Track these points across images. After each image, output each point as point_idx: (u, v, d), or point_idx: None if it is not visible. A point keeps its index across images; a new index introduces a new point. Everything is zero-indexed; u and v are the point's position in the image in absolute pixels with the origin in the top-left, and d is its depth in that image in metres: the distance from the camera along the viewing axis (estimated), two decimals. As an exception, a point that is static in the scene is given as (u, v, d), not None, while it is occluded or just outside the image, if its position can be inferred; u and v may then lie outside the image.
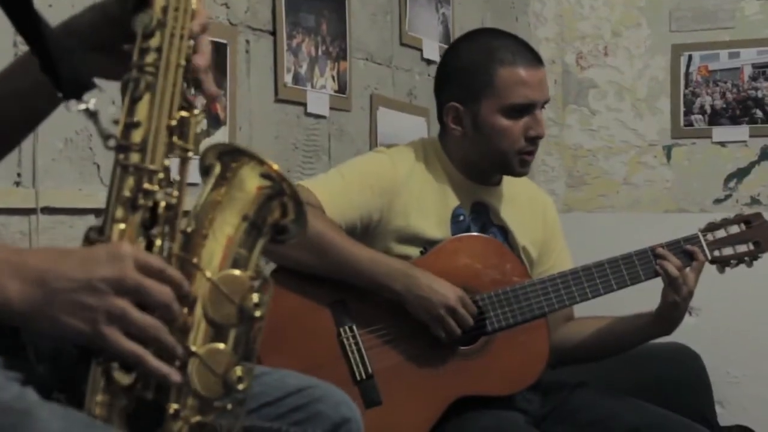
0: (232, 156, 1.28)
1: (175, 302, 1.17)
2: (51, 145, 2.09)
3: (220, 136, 2.49)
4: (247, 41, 2.68)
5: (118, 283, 1.13)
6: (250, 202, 1.26)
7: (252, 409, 1.33)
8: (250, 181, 1.27)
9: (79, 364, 1.17)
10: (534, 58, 2.30)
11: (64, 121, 2.05)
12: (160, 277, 1.16)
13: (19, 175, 2.03)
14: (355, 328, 2.18)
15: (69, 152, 2.14)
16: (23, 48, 2.00)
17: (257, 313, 1.23)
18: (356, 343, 2.18)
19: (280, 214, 1.28)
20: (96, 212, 2.18)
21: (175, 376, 1.17)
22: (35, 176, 2.04)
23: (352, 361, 2.17)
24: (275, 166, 1.26)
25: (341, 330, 2.18)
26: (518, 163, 2.31)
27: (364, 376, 2.17)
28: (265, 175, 1.27)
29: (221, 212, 1.26)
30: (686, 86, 4.04)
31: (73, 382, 1.18)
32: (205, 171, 1.30)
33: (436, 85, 2.41)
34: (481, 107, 2.28)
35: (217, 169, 1.28)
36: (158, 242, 1.22)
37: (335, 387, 1.49)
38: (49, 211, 2.08)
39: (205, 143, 1.30)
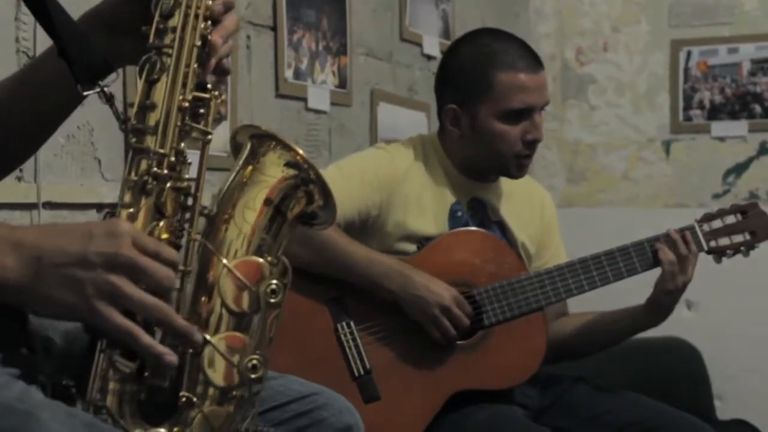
0: (261, 139, 1.27)
1: (173, 284, 1.16)
2: (53, 140, 2.07)
3: (221, 131, 2.49)
4: (248, 36, 2.69)
5: (112, 259, 1.11)
6: (276, 187, 1.25)
7: (258, 412, 1.33)
8: (277, 166, 1.26)
9: (87, 357, 1.17)
10: (534, 62, 2.29)
11: (66, 117, 2.06)
12: (156, 259, 1.14)
13: (20, 170, 2.03)
14: (352, 324, 2.19)
15: (71, 147, 2.14)
16: (24, 43, 2.01)
17: (273, 300, 1.22)
18: (354, 339, 2.18)
19: (307, 201, 1.27)
20: (97, 207, 2.19)
21: (169, 356, 1.15)
22: (37, 171, 2.05)
23: (350, 356, 2.18)
24: (302, 153, 1.25)
25: (339, 326, 2.19)
26: (515, 166, 2.31)
27: (362, 372, 2.18)
28: (292, 162, 1.26)
29: (245, 196, 1.25)
30: (685, 81, 4.04)
31: (83, 375, 1.17)
32: (236, 149, 1.29)
33: (436, 86, 2.41)
34: (479, 111, 2.28)
35: (247, 149, 1.27)
36: (167, 226, 1.20)
37: (338, 395, 1.51)
38: (50, 206, 2.09)
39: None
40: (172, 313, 1.15)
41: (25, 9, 1.98)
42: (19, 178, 2.03)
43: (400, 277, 2.18)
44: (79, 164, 2.17)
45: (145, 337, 1.13)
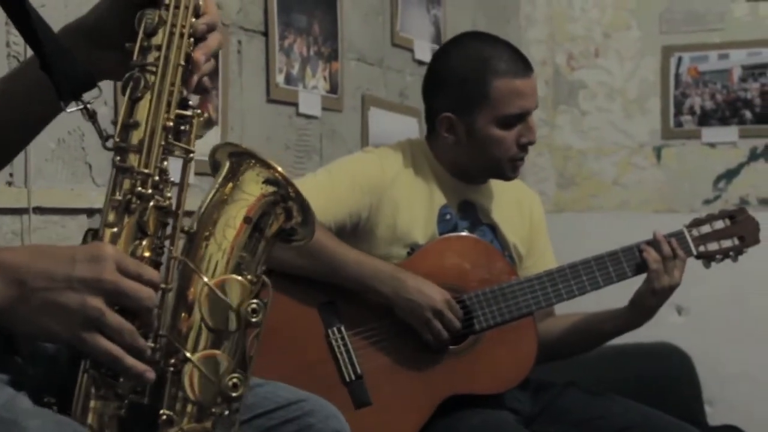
0: (240, 157, 1.28)
1: (155, 304, 1.16)
2: (43, 144, 2.09)
3: (212, 136, 2.49)
4: (239, 42, 2.69)
5: (95, 284, 1.11)
6: (255, 205, 1.26)
7: (244, 420, 1.34)
8: (256, 184, 1.26)
9: (70, 369, 1.17)
10: (526, 66, 2.30)
11: (57, 121, 2.04)
12: (138, 280, 1.15)
13: (11, 174, 2.03)
14: (343, 329, 2.19)
15: (61, 152, 2.14)
16: (15, 48, 2.01)
17: (254, 319, 1.23)
18: (345, 344, 2.18)
19: (285, 218, 1.28)
20: (88, 212, 2.19)
21: (149, 374, 1.16)
22: (27, 176, 2.04)
23: (341, 361, 2.17)
24: (281, 170, 1.26)
25: (330, 331, 2.18)
26: (510, 168, 2.32)
27: (353, 377, 2.18)
28: (270, 179, 1.26)
29: (225, 214, 1.26)
30: (676, 87, 4.05)
31: (66, 387, 1.17)
32: (214, 168, 1.30)
33: (426, 90, 2.40)
34: (476, 118, 2.28)
35: (226, 168, 1.28)
36: (149, 244, 1.21)
37: (326, 401, 1.51)
38: (41, 210, 2.08)
39: (200, 143, 1.30)
40: (138, 337, 1.15)
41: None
42: (10, 183, 2.03)
43: (393, 281, 2.18)
44: (70, 169, 2.17)
45: (129, 359, 1.14)
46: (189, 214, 1.27)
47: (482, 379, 2.25)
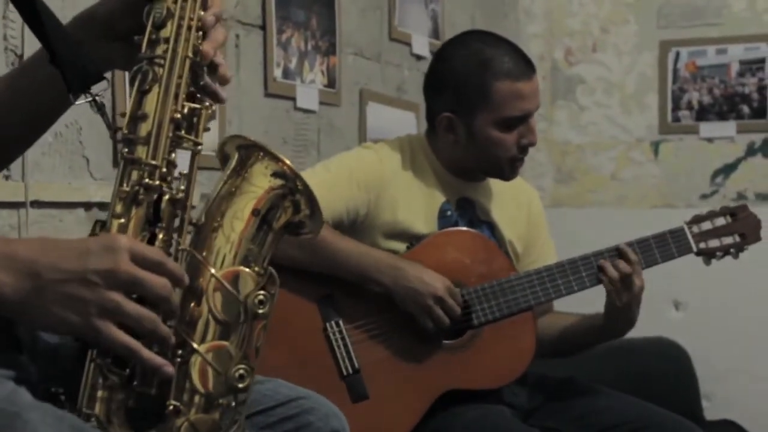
0: (248, 150, 1.28)
1: (173, 294, 1.16)
2: (41, 138, 2.09)
3: (210, 130, 2.49)
4: (237, 36, 2.68)
5: (111, 276, 1.11)
6: (263, 198, 1.26)
7: (244, 420, 1.33)
8: (264, 176, 1.27)
9: (77, 361, 1.17)
10: (528, 67, 2.28)
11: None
12: (158, 269, 1.14)
13: (8, 168, 2.02)
14: (341, 323, 2.19)
15: (59, 146, 2.14)
16: (12, 41, 2.01)
17: (261, 311, 1.23)
18: (343, 338, 2.18)
19: (293, 211, 1.28)
20: (85, 206, 2.18)
21: (167, 368, 1.16)
22: (25, 169, 2.04)
23: (339, 355, 2.17)
24: (289, 163, 1.26)
25: (328, 325, 2.18)
26: (510, 169, 2.32)
27: (350, 371, 2.18)
28: (279, 172, 1.27)
29: (233, 206, 1.26)
30: (674, 82, 4.05)
31: (72, 378, 1.17)
32: (224, 160, 1.30)
33: (427, 90, 2.39)
34: (475, 119, 2.27)
35: (234, 160, 1.28)
36: (162, 236, 1.21)
37: (325, 399, 1.51)
38: (38, 204, 2.08)
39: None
40: (160, 324, 1.15)
41: (12, 7, 1.97)
42: (7, 177, 2.02)
43: (393, 270, 2.18)
44: (67, 163, 2.16)
45: (145, 351, 1.14)
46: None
47: (480, 374, 2.24)
